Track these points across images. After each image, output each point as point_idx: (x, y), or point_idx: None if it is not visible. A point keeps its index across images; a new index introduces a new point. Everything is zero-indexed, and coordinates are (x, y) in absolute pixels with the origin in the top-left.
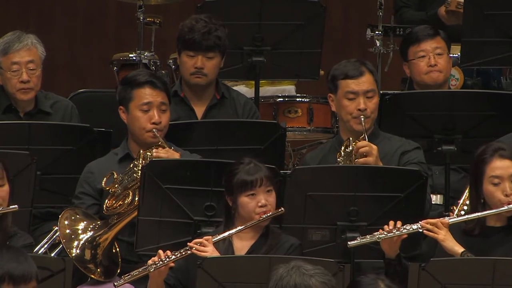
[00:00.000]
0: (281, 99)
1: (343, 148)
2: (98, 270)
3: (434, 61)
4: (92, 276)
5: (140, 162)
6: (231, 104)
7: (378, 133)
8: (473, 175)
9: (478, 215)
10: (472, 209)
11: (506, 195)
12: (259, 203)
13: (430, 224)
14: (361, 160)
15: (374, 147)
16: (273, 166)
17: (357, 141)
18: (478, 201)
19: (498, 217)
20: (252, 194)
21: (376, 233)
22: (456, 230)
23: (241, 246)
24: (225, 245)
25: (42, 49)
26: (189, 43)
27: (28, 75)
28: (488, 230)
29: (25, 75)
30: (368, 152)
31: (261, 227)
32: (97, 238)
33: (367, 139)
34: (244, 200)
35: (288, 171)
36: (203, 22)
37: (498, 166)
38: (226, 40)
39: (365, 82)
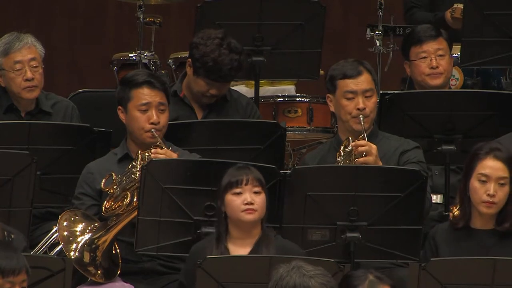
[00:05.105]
0: (281, 99)
1: (342, 147)
2: (98, 272)
3: (436, 62)
4: (93, 278)
5: (139, 163)
6: (231, 105)
7: (377, 133)
8: (465, 168)
9: None
10: (459, 202)
11: (488, 195)
12: (245, 200)
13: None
14: (361, 159)
15: (374, 146)
16: (273, 166)
17: (356, 140)
18: (465, 195)
19: (484, 220)
20: (238, 192)
21: None
22: (445, 229)
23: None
24: (221, 252)
25: (41, 48)
26: (217, 75)
27: (31, 72)
28: (479, 234)
29: (29, 73)
30: (367, 152)
31: (254, 233)
32: (96, 240)
33: (366, 139)
34: (230, 198)
35: (288, 171)
36: (227, 51)
37: (489, 165)
38: None
39: (363, 81)
